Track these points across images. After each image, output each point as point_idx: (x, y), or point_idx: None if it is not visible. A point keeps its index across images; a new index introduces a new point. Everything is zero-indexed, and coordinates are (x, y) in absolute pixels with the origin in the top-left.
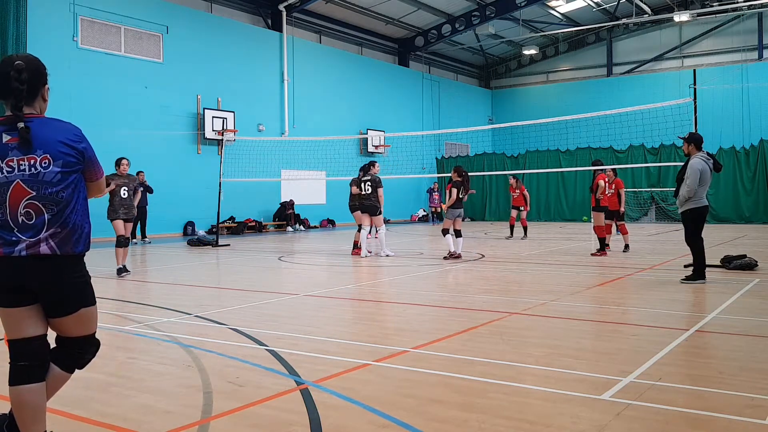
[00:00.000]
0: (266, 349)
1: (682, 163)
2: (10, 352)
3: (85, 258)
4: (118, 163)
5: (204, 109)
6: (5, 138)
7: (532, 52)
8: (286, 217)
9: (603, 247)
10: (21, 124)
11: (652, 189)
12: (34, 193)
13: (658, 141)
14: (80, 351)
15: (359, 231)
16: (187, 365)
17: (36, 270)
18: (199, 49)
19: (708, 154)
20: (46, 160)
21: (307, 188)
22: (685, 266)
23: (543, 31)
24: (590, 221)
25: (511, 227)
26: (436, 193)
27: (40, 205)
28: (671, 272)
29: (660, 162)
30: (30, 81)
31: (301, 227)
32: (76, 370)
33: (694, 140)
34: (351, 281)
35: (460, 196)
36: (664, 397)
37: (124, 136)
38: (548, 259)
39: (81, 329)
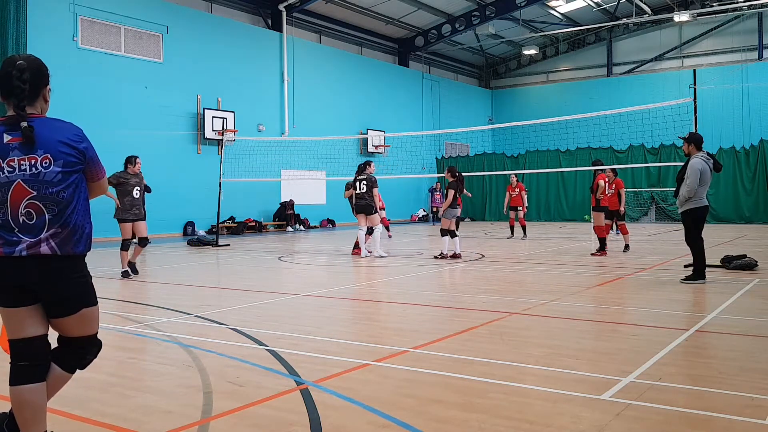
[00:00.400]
0: (266, 349)
1: (682, 163)
2: (11, 351)
3: (86, 258)
4: (132, 161)
5: (204, 109)
6: (6, 138)
7: (532, 52)
8: (286, 217)
9: (603, 247)
10: (24, 123)
11: (652, 189)
12: (35, 193)
13: (658, 141)
14: (82, 351)
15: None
16: (187, 365)
17: (36, 270)
18: (199, 49)
19: (708, 154)
20: (47, 160)
21: (307, 188)
22: (685, 266)
23: (543, 31)
24: (591, 221)
25: (511, 227)
26: (438, 193)
27: (41, 205)
28: (671, 272)
29: (660, 162)
30: (31, 81)
31: (301, 227)
32: (77, 371)
33: (695, 140)
34: (351, 281)
35: (458, 196)
36: (664, 397)
37: (124, 136)
38: (548, 259)
39: (82, 329)
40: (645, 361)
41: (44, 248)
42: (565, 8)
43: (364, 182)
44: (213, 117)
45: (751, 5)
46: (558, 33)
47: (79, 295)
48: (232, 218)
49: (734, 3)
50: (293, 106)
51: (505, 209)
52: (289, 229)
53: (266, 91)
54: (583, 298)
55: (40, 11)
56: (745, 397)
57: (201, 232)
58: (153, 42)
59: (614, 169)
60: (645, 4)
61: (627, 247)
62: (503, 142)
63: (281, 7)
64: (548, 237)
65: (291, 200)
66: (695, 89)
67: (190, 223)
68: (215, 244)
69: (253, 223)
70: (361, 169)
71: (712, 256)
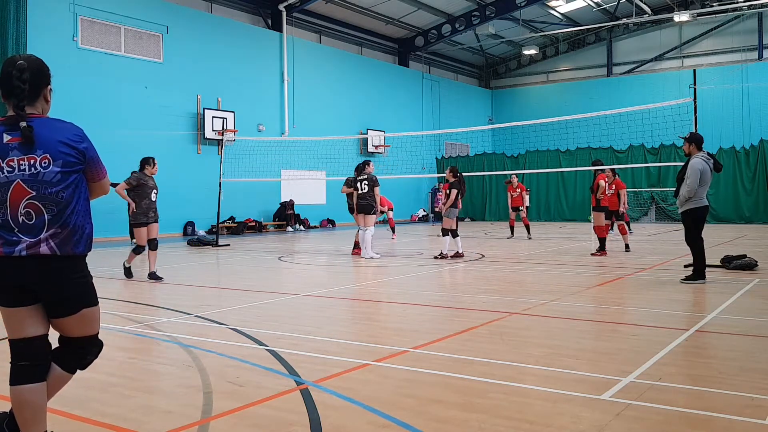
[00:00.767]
0: (266, 349)
1: (682, 163)
2: (12, 351)
3: (86, 258)
4: (150, 162)
5: (204, 109)
6: (6, 138)
7: (532, 52)
8: (286, 217)
9: (603, 247)
10: (24, 123)
11: (652, 189)
12: (34, 193)
13: (658, 141)
14: (82, 351)
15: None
16: (187, 365)
17: (36, 270)
18: (199, 49)
19: (708, 154)
20: (46, 160)
21: (307, 188)
22: (685, 266)
23: (543, 31)
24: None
25: (512, 227)
26: (440, 193)
27: (40, 205)
28: (671, 272)
29: (660, 162)
30: (31, 81)
31: (301, 227)
32: (78, 371)
33: (695, 140)
34: (351, 281)
35: (459, 197)
36: (664, 397)
37: (124, 136)
38: (548, 259)
39: (83, 330)
40: (645, 361)
41: (44, 248)
42: (565, 8)
43: (366, 182)
44: (213, 117)
45: (751, 5)
46: (558, 33)
47: (79, 295)
48: (232, 218)
49: (734, 3)
50: (293, 106)
51: (511, 211)
52: (289, 229)
53: (266, 91)
54: (583, 298)
55: (40, 11)
56: (745, 397)
57: (201, 232)
58: (153, 42)
59: (614, 169)
60: (645, 4)
61: (627, 247)
62: (503, 142)
63: (281, 7)
64: (548, 237)
65: (291, 200)
66: (695, 89)
67: (190, 223)
68: (215, 244)
69: (253, 223)
70: (360, 168)
71: (712, 256)
